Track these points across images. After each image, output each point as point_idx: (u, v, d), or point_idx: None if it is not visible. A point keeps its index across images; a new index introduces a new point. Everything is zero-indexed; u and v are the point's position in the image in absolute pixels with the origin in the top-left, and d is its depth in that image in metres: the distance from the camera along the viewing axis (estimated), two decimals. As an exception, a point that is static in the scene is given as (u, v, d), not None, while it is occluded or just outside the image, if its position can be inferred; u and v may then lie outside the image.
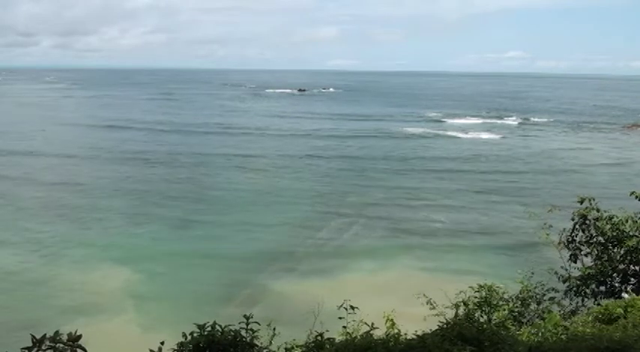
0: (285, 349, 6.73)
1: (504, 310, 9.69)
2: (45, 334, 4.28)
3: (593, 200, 11.50)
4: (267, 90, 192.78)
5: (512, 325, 9.19)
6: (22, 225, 33.93)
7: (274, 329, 6.75)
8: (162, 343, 5.11)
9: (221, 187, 45.10)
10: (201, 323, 5.59)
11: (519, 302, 10.48)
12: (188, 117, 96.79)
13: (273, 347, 6.58)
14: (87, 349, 4.31)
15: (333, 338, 5.82)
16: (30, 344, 4.21)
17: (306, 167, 53.60)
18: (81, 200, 40.19)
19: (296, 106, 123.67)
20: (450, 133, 79.80)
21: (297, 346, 6.67)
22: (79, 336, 4.33)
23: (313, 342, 5.77)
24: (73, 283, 25.59)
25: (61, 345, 4.26)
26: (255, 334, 5.83)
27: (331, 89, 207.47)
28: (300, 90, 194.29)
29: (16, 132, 74.69)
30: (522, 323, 9.86)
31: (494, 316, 9.48)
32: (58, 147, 63.37)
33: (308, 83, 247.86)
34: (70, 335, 4.33)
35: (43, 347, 4.23)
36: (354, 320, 7.28)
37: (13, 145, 63.17)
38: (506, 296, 10.21)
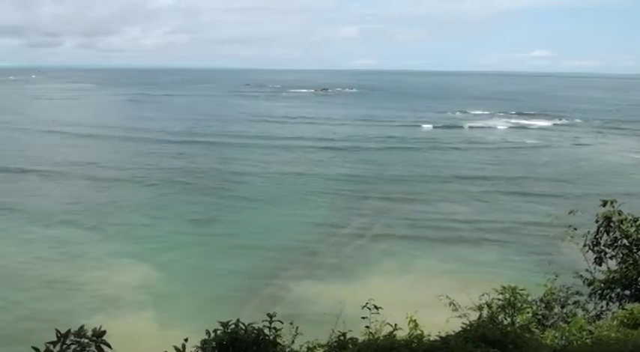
0: (308, 348, 6.71)
1: (528, 313, 9.58)
2: (69, 329, 4.30)
3: (616, 202, 11.29)
4: (290, 90, 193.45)
5: (536, 328, 9.08)
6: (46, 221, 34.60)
7: (297, 328, 6.75)
8: (185, 340, 5.11)
9: (245, 180, 45.56)
10: (224, 320, 5.63)
11: (543, 305, 10.35)
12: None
13: (295, 346, 6.58)
14: (110, 345, 4.33)
15: (356, 338, 5.82)
16: (54, 338, 4.25)
17: (330, 163, 53.65)
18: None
19: (317, 107, 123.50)
20: (473, 133, 79.22)
21: (319, 345, 6.65)
22: (104, 332, 4.36)
23: (336, 342, 5.78)
24: (94, 279, 25.91)
25: (86, 340, 4.28)
26: (278, 332, 5.85)
27: (354, 89, 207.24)
28: (322, 89, 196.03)
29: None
30: (546, 326, 9.74)
31: (518, 319, 9.38)
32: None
33: (330, 83, 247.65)
34: (94, 330, 4.37)
35: (68, 342, 4.25)
36: (376, 321, 7.26)
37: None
38: (530, 298, 10.09)
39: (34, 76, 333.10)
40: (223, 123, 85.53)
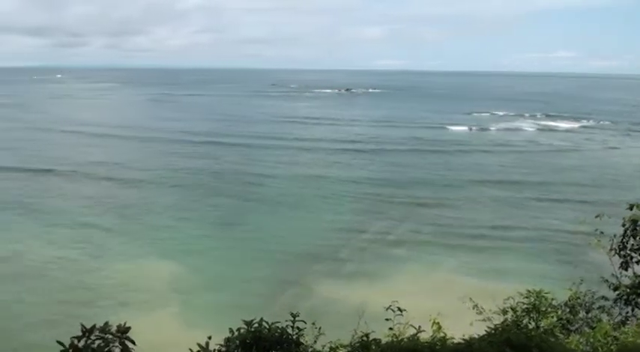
0: (330, 348, 6.70)
1: (553, 317, 9.47)
2: (94, 324, 4.35)
3: (642, 205, 11.08)
4: (314, 90, 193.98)
5: (561, 333, 8.98)
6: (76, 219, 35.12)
7: (319, 328, 6.76)
8: (209, 337, 5.15)
9: (268, 183, 45.75)
10: (247, 319, 5.66)
11: (568, 310, 10.23)
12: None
13: (318, 346, 6.60)
14: (134, 341, 4.37)
15: (379, 339, 5.82)
16: (79, 333, 4.31)
17: (354, 165, 53.60)
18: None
19: (341, 108, 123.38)
20: (500, 135, 78.47)
21: (341, 346, 6.64)
22: (128, 328, 4.41)
23: (359, 342, 5.78)
24: (119, 276, 26.25)
25: (110, 336, 4.32)
26: (301, 332, 5.87)
27: (378, 90, 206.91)
28: (346, 89, 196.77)
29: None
30: (571, 331, 9.63)
31: (543, 323, 9.28)
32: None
33: (354, 83, 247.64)
34: (119, 326, 4.41)
35: (92, 337, 4.30)
36: (399, 323, 7.24)
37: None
38: (554, 302, 9.98)
39: (59, 76, 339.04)
40: (246, 124, 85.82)
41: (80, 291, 24.52)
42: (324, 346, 6.76)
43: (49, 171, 49.45)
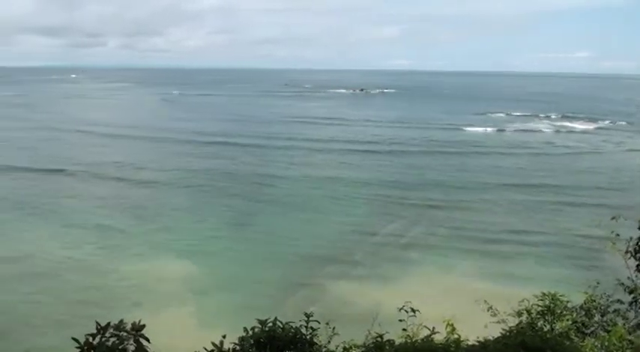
0: (344, 348, 6.68)
1: (568, 320, 9.41)
2: (109, 322, 4.40)
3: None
4: (328, 90, 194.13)
5: (576, 336, 8.93)
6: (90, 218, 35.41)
7: (333, 328, 6.76)
8: (224, 336, 5.19)
9: (282, 182, 45.85)
10: (261, 319, 5.68)
11: (583, 313, 10.15)
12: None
13: (331, 347, 6.61)
14: (149, 339, 4.40)
15: (393, 340, 5.82)
16: (94, 330, 4.36)
17: (369, 167, 53.53)
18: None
19: (355, 108, 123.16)
20: (516, 136, 77.98)
21: (355, 346, 6.64)
22: (143, 326, 4.45)
23: (373, 343, 5.78)
24: (134, 275, 26.42)
25: (125, 334, 4.36)
26: (315, 332, 5.89)
27: (392, 90, 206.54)
28: (360, 89, 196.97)
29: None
30: (586, 334, 9.56)
31: (558, 326, 9.22)
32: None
33: (367, 83, 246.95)
34: (134, 324, 4.45)
35: (107, 335, 4.34)
36: (413, 324, 7.22)
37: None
38: (570, 305, 9.91)
39: (73, 76, 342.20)
40: (259, 124, 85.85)
41: (94, 291, 24.68)
42: (338, 346, 6.75)
43: (61, 171, 49.73)
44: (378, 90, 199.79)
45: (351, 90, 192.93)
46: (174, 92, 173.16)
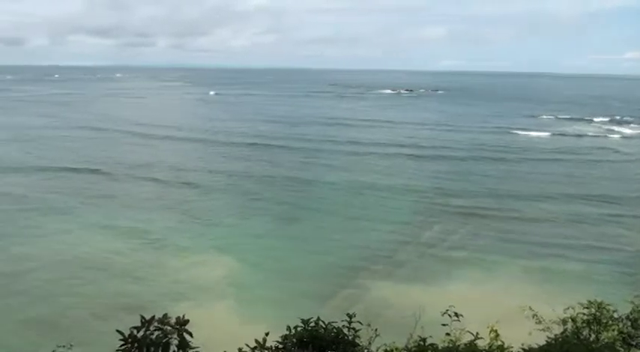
0: (385, 351, 6.68)
1: (614, 330, 9.13)
2: (154, 315, 4.46)
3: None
4: (375, 91, 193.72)
5: (622, 347, 8.66)
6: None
7: (375, 330, 6.74)
8: (266, 334, 5.21)
9: (325, 185, 45.77)
10: (304, 318, 5.72)
11: (630, 323, 9.83)
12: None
13: (373, 348, 6.59)
14: (192, 333, 4.44)
15: (436, 344, 5.77)
16: (139, 323, 4.43)
17: (414, 172, 52.75)
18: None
19: (401, 110, 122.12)
20: (566, 140, 75.89)
21: (397, 349, 6.62)
22: (187, 320, 4.49)
23: (415, 347, 5.75)
24: (179, 270, 26.86)
25: (169, 328, 4.41)
26: (357, 333, 5.89)
27: (439, 91, 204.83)
28: (407, 90, 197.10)
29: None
30: (632, 345, 9.27)
31: (603, 336, 8.96)
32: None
33: (415, 84, 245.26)
34: (178, 318, 4.50)
35: (151, 328, 4.40)
36: (456, 328, 7.13)
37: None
38: (616, 315, 9.61)
39: (118, 75, 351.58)
40: (305, 126, 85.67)
41: (138, 285, 25.15)
42: (379, 348, 6.71)
43: (98, 171, 50.26)
44: (427, 91, 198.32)
45: (398, 91, 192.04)
46: (211, 93, 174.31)
